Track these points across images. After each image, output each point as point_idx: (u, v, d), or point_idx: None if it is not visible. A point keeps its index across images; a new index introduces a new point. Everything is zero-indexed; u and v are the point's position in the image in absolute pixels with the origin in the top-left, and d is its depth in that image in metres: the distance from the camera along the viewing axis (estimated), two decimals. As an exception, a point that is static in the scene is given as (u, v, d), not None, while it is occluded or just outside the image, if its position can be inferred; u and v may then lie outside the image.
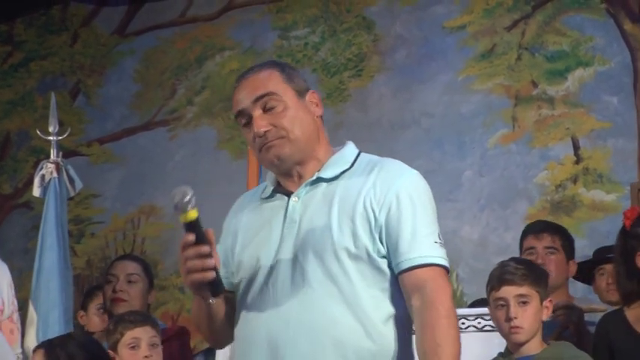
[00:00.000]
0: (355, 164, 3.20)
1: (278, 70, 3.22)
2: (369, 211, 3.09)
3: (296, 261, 3.09)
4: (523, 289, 3.87)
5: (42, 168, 5.24)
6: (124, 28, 8.24)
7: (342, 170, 3.17)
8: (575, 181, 6.93)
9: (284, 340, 3.04)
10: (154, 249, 7.67)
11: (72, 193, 5.32)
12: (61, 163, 5.25)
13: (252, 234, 3.19)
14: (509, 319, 3.83)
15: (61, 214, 5.17)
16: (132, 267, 5.37)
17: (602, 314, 4.53)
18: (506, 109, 7.16)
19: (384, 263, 3.09)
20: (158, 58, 8.08)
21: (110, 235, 7.83)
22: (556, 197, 6.94)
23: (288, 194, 3.18)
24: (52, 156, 5.28)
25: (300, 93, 3.20)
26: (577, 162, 6.95)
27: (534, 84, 7.15)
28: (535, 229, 5.10)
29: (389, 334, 3.08)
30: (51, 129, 5.37)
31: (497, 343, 3.99)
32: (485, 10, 7.33)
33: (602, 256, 5.22)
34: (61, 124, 7.41)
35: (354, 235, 3.07)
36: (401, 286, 3.09)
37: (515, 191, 7.04)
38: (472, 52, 7.32)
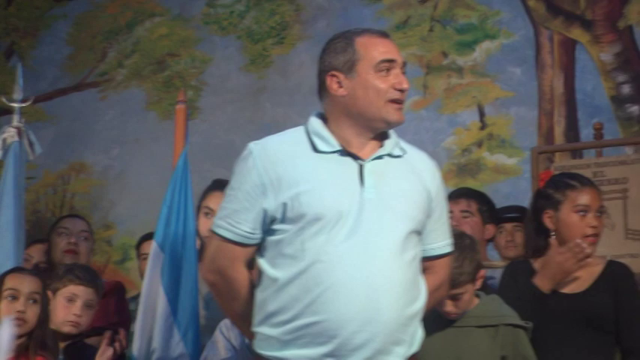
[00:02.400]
0: (402, 146, 3.32)
1: None
2: (425, 195, 3.26)
3: (384, 226, 3.14)
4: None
5: (4, 132, 5.23)
6: (58, -8, 8.12)
7: (401, 150, 3.29)
8: (480, 145, 6.97)
9: (386, 292, 3.10)
10: (83, 204, 7.64)
11: (31, 157, 5.35)
12: (23, 128, 5.24)
13: (325, 187, 3.16)
14: None
15: (20, 175, 5.20)
16: (84, 225, 5.47)
17: (499, 269, 4.60)
18: (418, 78, 7.15)
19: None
20: (90, 22, 7.97)
21: (41, 190, 7.76)
22: (462, 160, 6.97)
23: (356, 157, 3.22)
24: (14, 121, 5.24)
25: None
26: (482, 128, 6.99)
27: (444, 54, 7.16)
28: (453, 194, 5.07)
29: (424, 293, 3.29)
30: (15, 96, 5.35)
31: None
32: (400, -17, 7.32)
33: (501, 215, 5.23)
34: (-6, 84, 7.27)
35: (423, 209, 3.24)
36: (430, 263, 3.33)
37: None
38: (387, 23, 7.28)
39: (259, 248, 3.23)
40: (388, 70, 3.23)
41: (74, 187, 7.72)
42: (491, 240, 5.23)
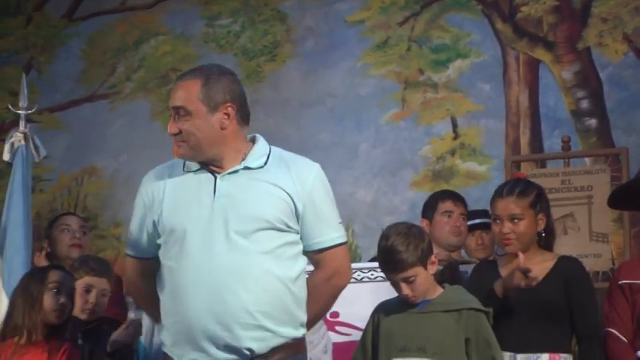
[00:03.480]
0: (270, 158, 3.33)
1: (201, 82, 3.27)
2: (289, 199, 3.26)
3: (230, 226, 3.20)
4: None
5: (12, 136, 5.24)
6: (71, 13, 8.12)
7: (263, 162, 3.30)
8: (453, 154, 7.02)
9: (228, 288, 3.16)
10: (95, 204, 7.64)
11: (37, 159, 5.35)
12: (29, 133, 5.25)
13: (182, 202, 3.27)
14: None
15: (27, 176, 5.21)
16: (81, 221, 5.51)
17: (471, 265, 4.67)
18: (397, 92, 7.22)
19: (296, 236, 3.30)
20: (101, 40, 8.00)
21: (57, 192, 7.76)
22: (437, 167, 7.03)
23: (214, 173, 3.29)
24: (21, 127, 5.27)
25: (212, 107, 3.27)
26: (455, 138, 7.04)
27: (421, 71, 7.21)
28: (454, 196, 5.09)
29: (298, 289, 3.29)
30: (21, 104, 5.36)
31: (384, 292, 3.98)
32: (381, 7, 7.36)
33: (470, 219, 5.25)
34: (15, 94, 7.33)
35: (276, 212, 3.24)
36: (313, 258, 3.35)
37: (403, 161, 7.12)
38: (369, 42, 7.36)
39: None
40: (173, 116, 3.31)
41: (86, 188, 7.73)
42: None
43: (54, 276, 4.25)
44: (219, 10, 7.78)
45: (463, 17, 7.18)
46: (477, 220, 5.28)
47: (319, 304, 3.38)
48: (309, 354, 4.18)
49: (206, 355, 3.19)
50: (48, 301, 4.17)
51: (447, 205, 5.00)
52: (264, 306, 3.18)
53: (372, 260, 5.24)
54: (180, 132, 3.24)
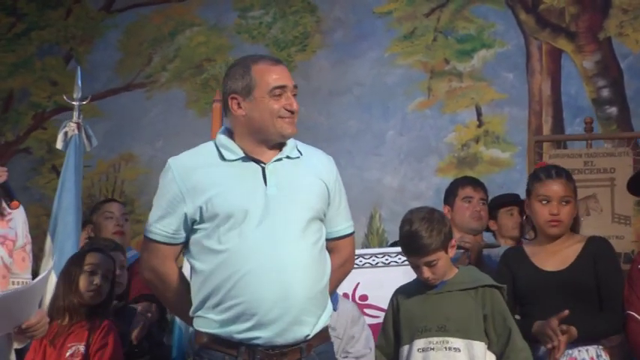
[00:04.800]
0: (299, 148, 3.36)
1: None
2: (324, 186, 3.33)
3: (287, 212, 3.22)
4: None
5: (65, 126, 5.26)
6: (109, 5, 8.14)
7: (298, 153, 3.34)
8: (477, 141, 7.00)
9: (294, 272, 3.17)
10: (132, 189, 7.65)
11: (88, 148, 5.37)
12: (82, 123, 5.27)
13: (234, 189, 3.23)
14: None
15: (78, 164, 5.25)
16: (123, 208, 5.56)
17: (494, 249, 4.62)
18: (423, 81, 7.20)
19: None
20: (138, 31, 8.01)
21: (95, 177, 7.79)
22: (462, 154, 7.00)
23: (258, 162, 3.28)
24: (74, 117, 5.27)
25: None
26: (479, 126, 7.02)
27: (446, 61, 7.19)
28: (473, 182, 5.03)
29: (328, 279, 3.33)
30: (75, 95, 5.38)
31: (411, 276, 3.91)
32: (408, -1, 7.36)
33: (497, 202, 5.20)
34: (55, 83, 7.33)
35: (322, 199, 3.31)
36: (328, 245, 3.36)
37: (428, 148, 7.09)
38: (397, 33, 7.33)
39: (187, 247, 3.32)
40: (280, 94, 3.26)
41: (124, 174, 7.76)
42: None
43: (90, 258, 4.30)
44: (251, 2, 7.79)
45: (487, 8, 7.16)
46: (516, 200, 5.19)
47: (330, 289, 3.39)
48: (352, 349, 4.22)
49: (264, 339, 3.18)
50: (83, 282, 4.21)
51: (467, 190, 4.96)
52: (315, 294, 3.22)
53: (393, 245, 5.22)
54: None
